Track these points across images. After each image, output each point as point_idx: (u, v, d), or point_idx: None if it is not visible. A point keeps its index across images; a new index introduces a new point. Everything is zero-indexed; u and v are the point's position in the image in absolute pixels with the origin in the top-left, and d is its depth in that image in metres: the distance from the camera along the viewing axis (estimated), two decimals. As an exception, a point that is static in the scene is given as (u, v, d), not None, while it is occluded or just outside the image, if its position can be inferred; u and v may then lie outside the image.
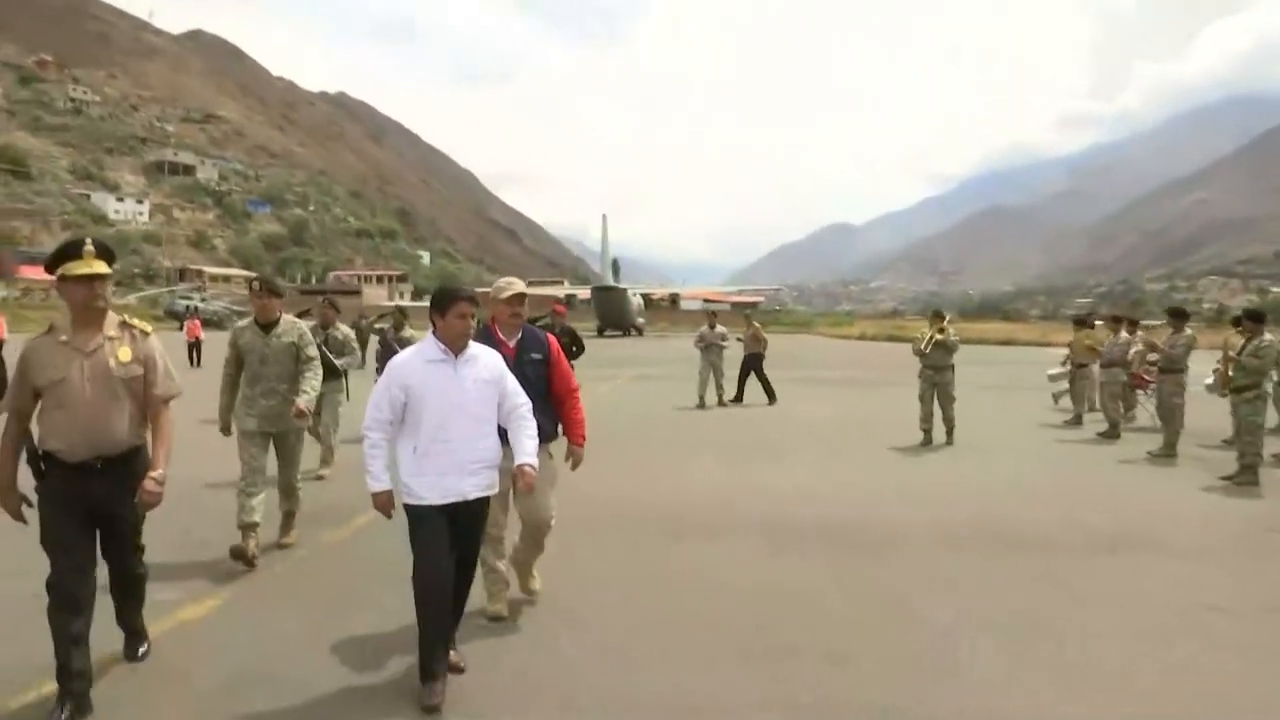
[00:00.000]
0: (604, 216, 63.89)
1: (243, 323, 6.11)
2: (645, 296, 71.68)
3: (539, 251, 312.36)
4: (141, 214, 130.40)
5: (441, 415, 3.89)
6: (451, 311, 3.92)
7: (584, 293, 72.72)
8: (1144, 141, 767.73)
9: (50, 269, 3.71)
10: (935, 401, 11.46)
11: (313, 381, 6.00)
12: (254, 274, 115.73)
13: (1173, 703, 3.88)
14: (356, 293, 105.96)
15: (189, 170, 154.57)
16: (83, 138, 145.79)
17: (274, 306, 6.00)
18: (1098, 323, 15.80)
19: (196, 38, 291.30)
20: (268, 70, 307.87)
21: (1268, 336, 8.91)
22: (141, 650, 4.15)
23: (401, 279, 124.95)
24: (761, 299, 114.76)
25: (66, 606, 3.56)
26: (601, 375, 22.52)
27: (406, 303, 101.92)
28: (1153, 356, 11.58)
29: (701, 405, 15.53)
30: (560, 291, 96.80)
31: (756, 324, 16.74)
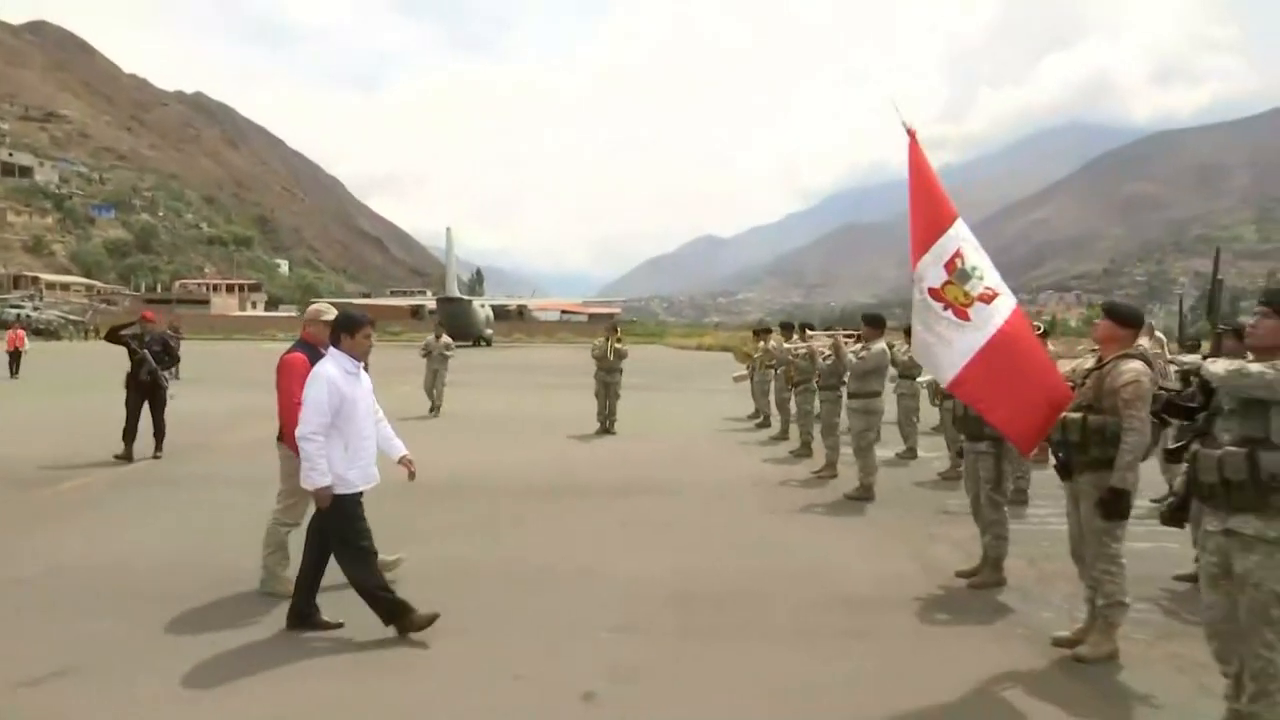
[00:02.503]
0: (448, 229, 65.67)
1: None
2: (495, 308, 73.48)
3: (406, 261, 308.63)
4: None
5: (360, 418, 4.85)
6: (359, 333, 4.91)
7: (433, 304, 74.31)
8: (990, 164, 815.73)
9: None
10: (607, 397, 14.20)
11: None
12: (95, 282, 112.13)
13: (558, 555, 6.47)
14: (204, 302, 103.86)
15: (25, 171, 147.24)
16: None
17: None
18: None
19: (39, 29, 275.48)
20: (118, 67, 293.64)
21: (804, 346, 11.83)
22: None
23: (254, 288, 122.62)
24: (618, 310, 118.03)
25: None
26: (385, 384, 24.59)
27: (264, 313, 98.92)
28: (771, 360, 14.62)
29: (432, 412, 16.55)
30: (422, 301, 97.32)
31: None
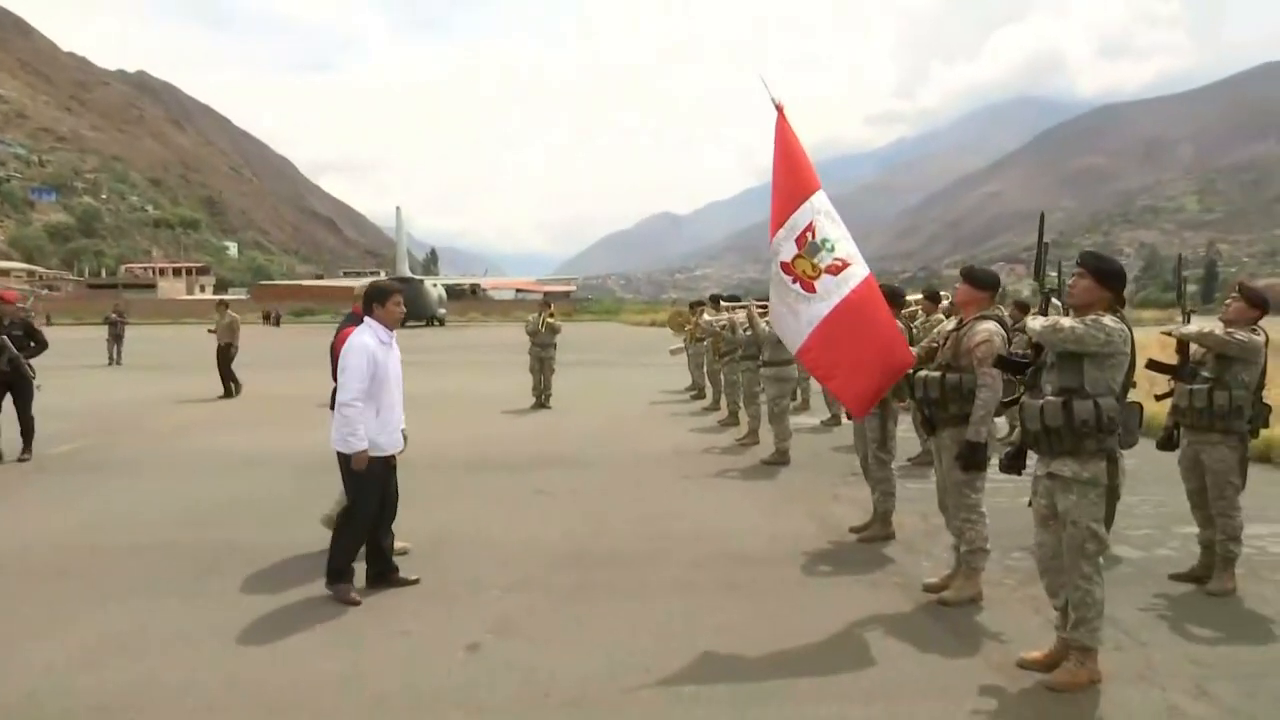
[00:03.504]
0: (398, 209, 64.92)
1: None
2: (448, 287, 73.05)
3: (359, 242, 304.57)
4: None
5: (391, 385, 5.14)
6: (390, 301, 5.16)
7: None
8: (943, 138, 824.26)
9: None
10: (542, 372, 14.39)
11: None
12: (36, 267, 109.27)
13: (463, 523, 6.66)
14: (151, 286, 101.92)
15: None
16: None
17: None
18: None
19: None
20: (56, 45, 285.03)
21: (725, 318, 12.08)
22: None
23: (203, 271, 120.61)
24: (572, 288, 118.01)
25: None
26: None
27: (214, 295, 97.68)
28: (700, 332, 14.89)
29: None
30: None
31: (234, 314, 16.54)
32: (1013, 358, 4.27)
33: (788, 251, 5.20)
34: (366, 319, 5.21)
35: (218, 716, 3.74)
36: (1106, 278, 3.89)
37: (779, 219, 5.23)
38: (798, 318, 5.23)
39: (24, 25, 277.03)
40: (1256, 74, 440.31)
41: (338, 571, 5.07)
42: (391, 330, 5.23)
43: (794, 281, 5.21)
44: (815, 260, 5.18)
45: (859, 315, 5.19)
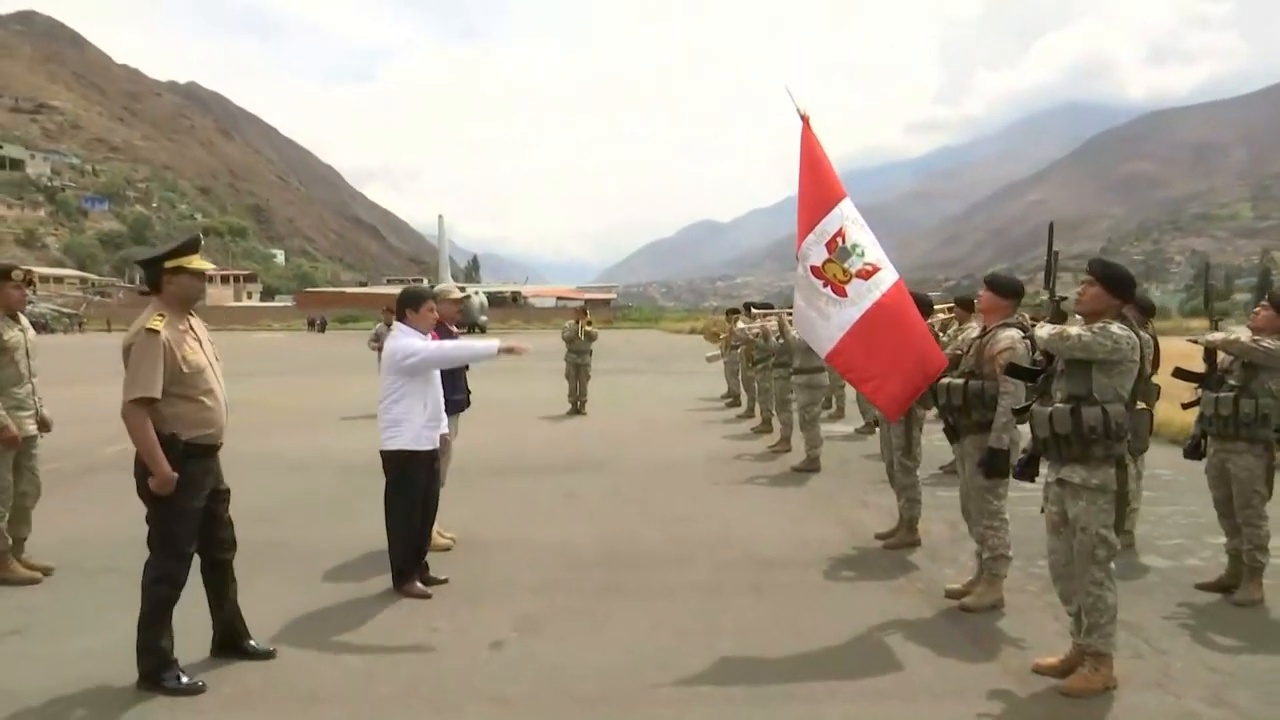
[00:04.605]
0: (440, 217, 65.58)
1: None
2: (490, 295, 73.76)
3: (403, 249, 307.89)
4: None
5: (435, 381, 5.41)
6: (423, 307, 5.37)
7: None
8: (988, 145, 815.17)
9: (167, 259, 4.07)
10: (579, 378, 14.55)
11: None
12: (89, 274, 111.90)
13: (493, 525, 6.82)
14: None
15: (17, 164, 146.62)
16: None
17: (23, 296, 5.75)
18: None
19: (28, 20, 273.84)
20: (110, 57, 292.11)
21: (757, 326, 12.17)
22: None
23: (250, 279, 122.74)
24: (613, 296, 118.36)
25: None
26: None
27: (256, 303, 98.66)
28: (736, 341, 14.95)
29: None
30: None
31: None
32: (1031, 365, 4.31)
33: (818, 255, 5.30)
34: (399, 324, 5.41)
35: (255, 705, 3.90)
36: (1115, 285, 3.93)
37: (807, 225, 5.33)
38: (828, 321, 5.32)
39: (79, 39, 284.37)
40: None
41: (400, 572, 5.26)
42: (425, 333, 5.39)
43: (824, 285, 5.30)
44: (846, 265, 5.28)
45: (891, 319, 5.27)
